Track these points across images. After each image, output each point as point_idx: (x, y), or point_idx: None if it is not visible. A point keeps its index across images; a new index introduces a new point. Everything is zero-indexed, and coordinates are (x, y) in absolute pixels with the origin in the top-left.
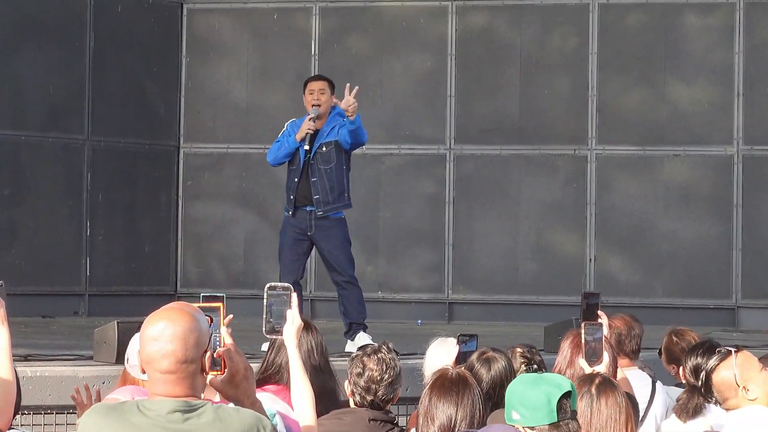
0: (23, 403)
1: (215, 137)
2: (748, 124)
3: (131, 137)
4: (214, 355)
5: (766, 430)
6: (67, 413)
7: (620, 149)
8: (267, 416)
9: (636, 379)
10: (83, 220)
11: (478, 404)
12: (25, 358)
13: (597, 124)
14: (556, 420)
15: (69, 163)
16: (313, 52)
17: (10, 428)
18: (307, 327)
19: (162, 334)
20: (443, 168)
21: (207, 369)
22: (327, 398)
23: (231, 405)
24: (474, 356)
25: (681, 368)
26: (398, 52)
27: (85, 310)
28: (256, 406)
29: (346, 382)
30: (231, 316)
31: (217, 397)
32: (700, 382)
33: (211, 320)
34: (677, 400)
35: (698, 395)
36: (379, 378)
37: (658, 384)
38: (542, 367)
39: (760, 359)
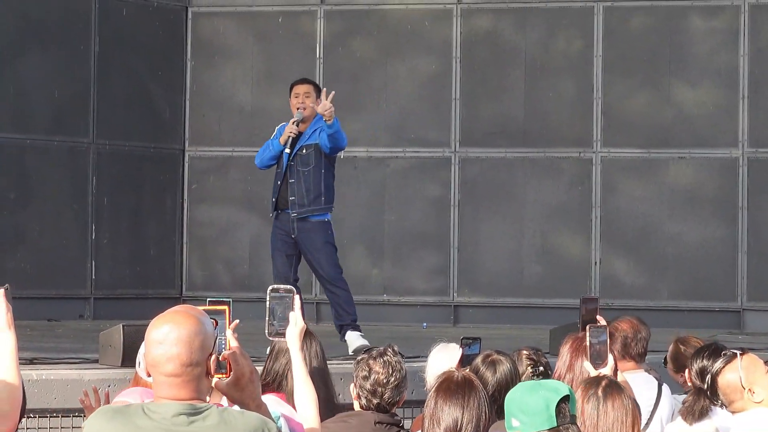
0: (28, 406)
1: (220, 140)
2: (753, 126)
3: (136, 140)
4: (220, 358)
5: None
6: (73, 416)
7: (625, 152)
8: (272, 419)
9: (642, 381)
10: (88, 223)
11: (484, 407)
12: (31, 362)
13: (602, 126)
14: (555, 425)
15: (74, 167)
16: (318, 56)
17: None
18: (308, 334)
19: (167, 337)
20: (448, 171)
21: (212, 372)
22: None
23: (236, 408)
24: (479, 359)
25: (687, 371)
26: (403, 55)
27: (91, 313)
28: (262, 409)
29: (352, 385)
30: (237, 321)
31: (224, 401)
32: (705, 385)
33: (216, 323)
34: (683, 403)
35: (704, 398)
36: (385, 381)
37: (664, 387)
38: (548, 370)
39: (766, 362)
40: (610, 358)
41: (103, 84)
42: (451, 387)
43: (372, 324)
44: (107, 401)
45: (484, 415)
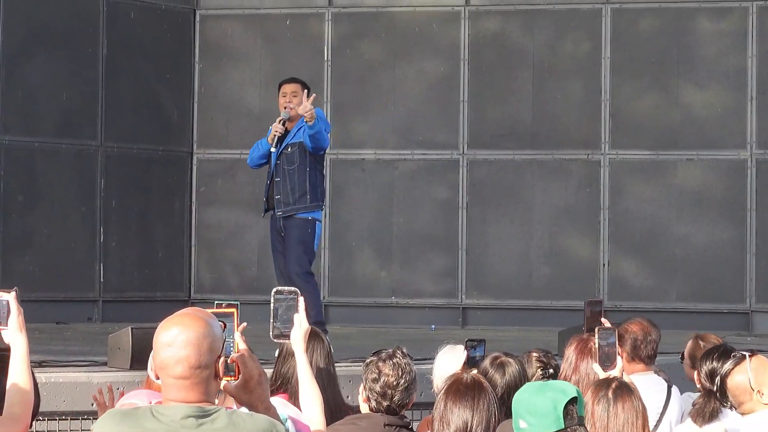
0: None
1: (228, 143)
2: (761, 128)
3: (144, 143)
4: (228, 361)
5: None
6: (82, 419)
7: (633, 154)
8: (281, 421)
9: (651, 383)
10: (97, 226)
11: (494, 409)
12: (40, 365)
13: (610, 128)
14: (563, 426)
15: (82, 170)
16: (325, 58)
17: None
18: (314, 335)
19: (175, 339)
20: (456, 173)
21: (221, 374)
22: (334, 408)
23: (245, 410)
24: (487, 361)
25: (695, 373)
26: (411, 57)
27: (99, 316)
28: (270, 411)
29: (361, 387)
30: (245, 323)
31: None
32: (715, 387)
33: (225, 326)
34: (693, 404)
35: (714, 400)
36: (395, 383)
37: (674, 389)
38: (558, 372)
39: None
40: (620, 360)
41: (111, 87)
42: (461, 389)
43: (380, 326)
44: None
45: (493, 417)
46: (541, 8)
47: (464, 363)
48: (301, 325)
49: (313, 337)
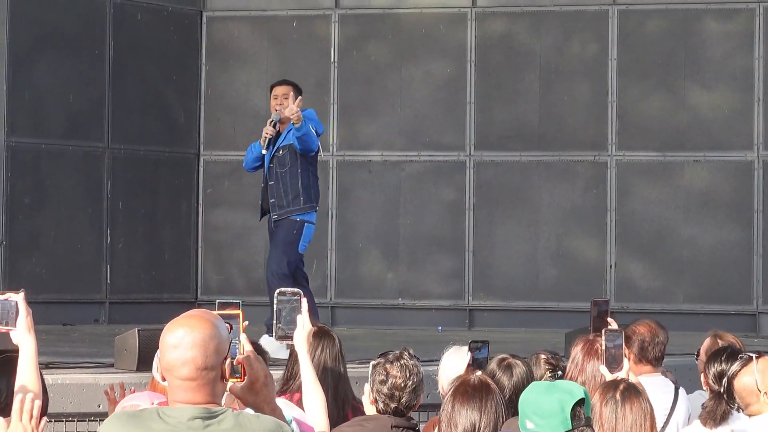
0: None
1: (235, 145)
2: None
3: (151, 145)
4: (234, 363)
5: None
6: (89, 421)
7: (640, 155)
8: (287, 422)
9: (659, 385)
10: (103, 227)
11: (501, 410)
12: (46, 366)
13: (617, 130)
14: (570, 428)
15: (89, 171)
16: (332, 60)
17: None
18: (325, 333)
19: (182, 341)
20: (463, 175)
21: (227, 376)
22: (348, 405)
23: (251, 411)
24: (494, 363)
25: (702, 375)
26: (418, 58)
27: (106, 317)
28: (276, 413)
29: (367, 389)
30: (246, 322)
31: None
32: (722, 389)
33: (231, 327)
34: (703, 407)
35: (723, 402)
36: (402, 385)
37: (681, 390)
38: (565, 373)
39: None
40: (626, 361)
41: (118, 89)
42: (468, 391)
43: (387, 328)
44: None
45: (501, 418)
46: (547, 10)
47: (468, 364)
48: (304, 326)
49: (324, 336)
